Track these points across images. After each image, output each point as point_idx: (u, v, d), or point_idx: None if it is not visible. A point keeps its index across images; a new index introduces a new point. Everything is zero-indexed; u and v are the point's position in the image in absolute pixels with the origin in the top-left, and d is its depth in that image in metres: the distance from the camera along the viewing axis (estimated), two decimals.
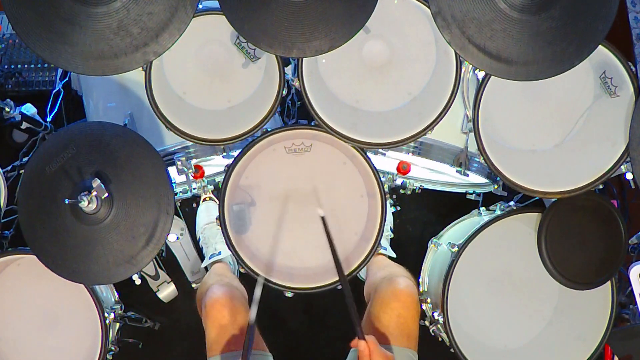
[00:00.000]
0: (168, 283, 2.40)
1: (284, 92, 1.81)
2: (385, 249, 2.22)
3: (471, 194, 2.24)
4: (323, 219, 1.62)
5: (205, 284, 1.95)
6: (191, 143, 1.90)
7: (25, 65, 2.53)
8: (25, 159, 2.30)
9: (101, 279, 1.73)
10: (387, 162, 2.08)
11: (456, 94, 1.78)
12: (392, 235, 2.36)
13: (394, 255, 2.22)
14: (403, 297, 1.79)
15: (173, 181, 1.72)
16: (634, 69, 1.72)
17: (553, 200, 1.87)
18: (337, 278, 1.88)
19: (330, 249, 1.61)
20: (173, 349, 2.41)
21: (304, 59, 1.75)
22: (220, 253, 2.23)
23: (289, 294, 1.90)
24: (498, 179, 1.98)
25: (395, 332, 1.75)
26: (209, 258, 2.25)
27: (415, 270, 2.07)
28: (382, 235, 1.88)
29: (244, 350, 1.53)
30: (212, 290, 1.83)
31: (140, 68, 1.70)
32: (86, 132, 1.71)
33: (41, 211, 1.67)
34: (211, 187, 2.25)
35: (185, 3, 1.63)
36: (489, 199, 2.19)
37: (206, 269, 2.31)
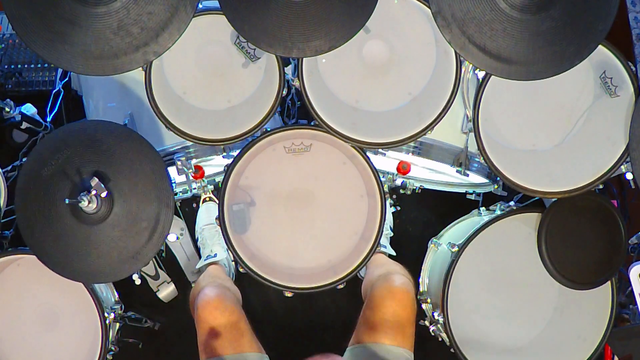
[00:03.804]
0: (168, 283, 2.40)
1: (284, 92, 1.81)
2: (385, 247, 2.22)
3: (471, 194, 2.24)
4: None
5: (199, 285, 1.94)
6: (191, 143, 1.90)
7: (25, 65, 2.53)
8: (25, 159, 2.29)
9: (107, 276, 1.73)
10: (387, 162, 2.08)
11: (456, 94, 1.78)
12: (392, 234, 2.36)
13: (394, 253, 2.22)
14: (398, 294, 1.78)
15: (173, 181, 1.72)
16: (634, 69, 1.72)
17: (553, 200, 1.87)
18: (336, 278, 1.88)
19: None
20: (173, 349, 2.41)
21: (304, 58, 1.75)
22: (215, 255, 2.23)
23: (288, 294, 1.90)
24: (498, 179, 1.98)
25: (389, 331, 1.74)
26: (204, 260, 2.25)
27: (415, 270, 2.06)
28: (381, 234, 1.88)
29: None
30: (204, 291, 1.83)
31: (140, 68, 1.70)
32: (80, 132, 1.71)
33: (41, 215, 1.66)
34: (211, 187, 2.25)
35: (185, 3, 1.63)
36: (489, 199, 2.19)
37: (200, 270, 2.30)
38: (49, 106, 2.42)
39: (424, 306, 2.04)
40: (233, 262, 2.31)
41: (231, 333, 1.76)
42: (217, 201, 1.91)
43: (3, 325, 1.91)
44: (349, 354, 1.76)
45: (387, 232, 2.33)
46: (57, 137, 1.70)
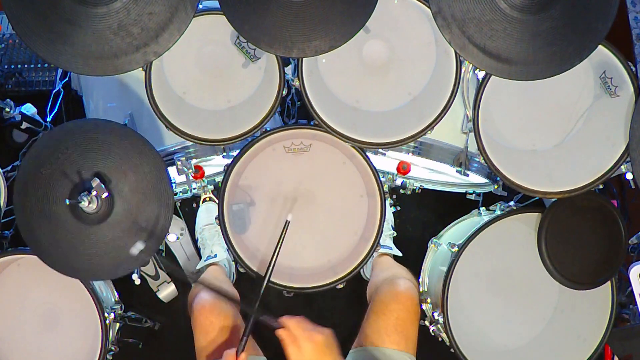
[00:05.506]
0: (168, 283, 2.40)
1: (284, 92, 1.81)
2: (391, 248, 2.22)
3: (471, 194, 2.24)
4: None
5: (197, 288, 1.94)
6: (191, 143, 1.90)
7: (25, 65, 2.53)
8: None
9: (104, 275, 1.73)
10: (387, 162, 2.08)
11: (456, 94, 1.78)
12: (395, 234, 2.36)
13: (400, 254, 2.22)
14: (403, 299, 1.79)
15: (173, 181, 1.72)
16: (634, 69, 1.72)
17: (553, 200, 1.87)
18: (336, 278, 1.88)
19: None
20: (173, 349, 2.41)
21: (304, 58, 1.75)
22: (215, 256, 2.23)
23: (288, 294, 1.90)
24: (498, 179, 1.98)
25: (393, 334, 1.74)
26: (205, 260, 2.25)
27: (415, 270, 2.07)
28: (381, 234, 1.88)
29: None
30: (199, 295, 1.82)
31: (141, 68, 1.70)
32: (80, 131, 1.70)
33: (40, 214, 1.65)
34: (211, 187, 2.25)
35: (185, 3, 1.63)
36: (489, 199, 2.19)
37: (200, 271, 2.30)
38: (49, 106, 2.43)
39: (424, 306, 2.03)
40: (233, 263, 2.31)
41: (227, 337, 1.75)
42: (217, 201, 1.91)
43: (3, 325, 1.91)
44: (352, 356, 1.76)
45: (390, 233, 2.33)
46: (57, 136, 1.70)
